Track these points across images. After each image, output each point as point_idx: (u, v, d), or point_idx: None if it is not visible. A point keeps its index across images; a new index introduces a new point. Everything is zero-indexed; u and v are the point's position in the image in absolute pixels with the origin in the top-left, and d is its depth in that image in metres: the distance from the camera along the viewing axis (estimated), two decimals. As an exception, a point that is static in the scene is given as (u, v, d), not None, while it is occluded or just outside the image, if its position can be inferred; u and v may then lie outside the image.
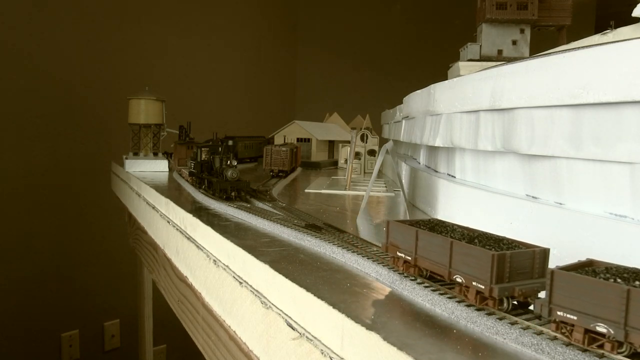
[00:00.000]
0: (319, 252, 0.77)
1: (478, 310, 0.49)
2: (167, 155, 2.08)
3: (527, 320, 0.46)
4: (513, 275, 0.47)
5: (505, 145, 0.79)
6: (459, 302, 0.51)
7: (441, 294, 0.54)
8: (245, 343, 0.74)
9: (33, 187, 2.55)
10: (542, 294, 0.47)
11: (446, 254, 0.52)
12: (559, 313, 0.41)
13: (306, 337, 0.58)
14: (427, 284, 0.57)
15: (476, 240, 0.52)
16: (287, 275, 0.64)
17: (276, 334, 0.64)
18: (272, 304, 0.66)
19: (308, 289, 0.58)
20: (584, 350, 0.40)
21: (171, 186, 1.52)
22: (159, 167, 1.91)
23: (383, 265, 0.65)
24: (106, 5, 2.79)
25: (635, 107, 0.57)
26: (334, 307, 0.53)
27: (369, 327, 0.48)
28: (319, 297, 0.56)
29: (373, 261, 0.67)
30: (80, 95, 2.69)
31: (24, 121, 2.51)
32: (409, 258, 0.58)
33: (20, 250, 2.53)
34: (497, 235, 0.54)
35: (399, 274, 0.62)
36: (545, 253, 0.49)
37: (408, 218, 1.08)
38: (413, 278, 0.60)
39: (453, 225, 0.60)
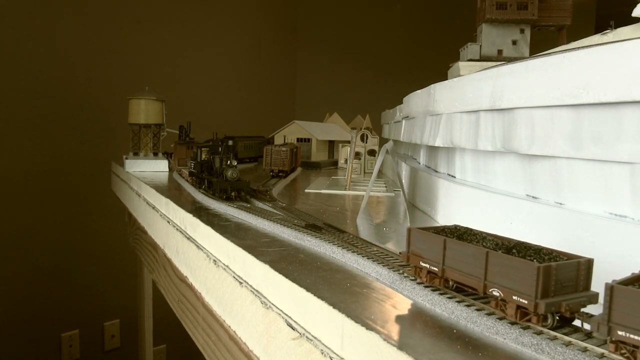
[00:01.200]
0: (319, 252, 0.77)
1: (478, 310, 0.49)
2: (167, 155, 2.08)
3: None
4: (558, 288, 0.44)
5: (505, 145, 0.79)
6: (459, 302, 0.51)
7: (441, 294, 0.54)
8: (245, 343, 0.74)
9: (33, 187, 2.55)
10: (587, 309, 0.44)
11: (481, 265, 0.48)
12: (619, 333, 0.37)
13: (306, 337, 0.58)
14: (427, 284, 0.57)
15: (514, 251, 0.48)
16: (287, 275, 0.64)
17: (276, 334, 0.64)
18: (272, 304, 0.67)
19: (308, 289, 0.58)
20: (584, 350, 0.40)
21: (171, 186, 1.52)
22: (159, 167, 1.91)
23: (383, 265, 0.65)
24: (106, 6, 2.79)
25: (635, 107, 0.57)
26: (334, 307, 0.53)
27: (369, 327, 0.48)
28: (319, 297, 0.56)
29: (373, 261, 0.67)
30: (80, 95, 2.69)
31: (25, 121, 2.51)
32: (435, 269, 0.54)
33: (20, 250, 2.53)
34: (534, 245, 0.50)
35: (400, 274, 0.62)
36: (589, 264, 0.46)
37: (408, 218, 1.08)
38: (413, 278, 0.60)
39: (482, 233, 0.55)
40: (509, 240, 0.52)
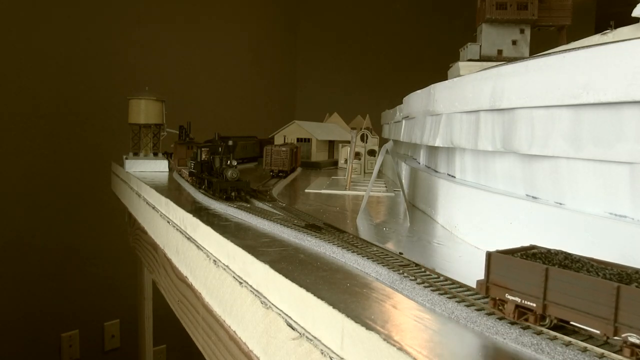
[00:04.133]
0: (319, 252, 0.77)
1: (478, 310, 0.49)
2: (167, 155, 2.08)
3: None
4: None
5: (505, 145, 0.79)
6: (458, 302, 0.51)
7: (441, 294, 0.54)
8: (245, 343, 0.74)
9: (33, 187, 2.55)
10: None
11: (609, 303, 0.38)
12: None
13: (306, 337, 0.58)
14: (426, 284, 0.57)
15: None
16: (287, 275, 0.64)
17: (276, 334, 0.64)
18: (272, 304, 0.67)
19: (308, 289, 0.58)
20: (584, 350, 0.40)
21: (171, 186, 1.52)
22: (159, 167, 1.91)
23: (383, 265, 0.65)
24: (106, 6, 2.79)
25: (635, 107, 0.57)
26: (334, 307, 0.53)
27: (369, 327, 0.48)
28: (319, 297, 0.56)
29: (373, 261, 0.67)
30: (80, 95, 2.69)
31: (24, 121, 2.51)
32: (532, 304, 0.43)
33: (20, 250, 2.53)
34: None
35: (400, 274, 0.62)
36: None
37: (408, 218, 1.08)
38: (413, 278, 0.60)
39: (583, 258, 0.46)
40: (631, 268, 0.42)
